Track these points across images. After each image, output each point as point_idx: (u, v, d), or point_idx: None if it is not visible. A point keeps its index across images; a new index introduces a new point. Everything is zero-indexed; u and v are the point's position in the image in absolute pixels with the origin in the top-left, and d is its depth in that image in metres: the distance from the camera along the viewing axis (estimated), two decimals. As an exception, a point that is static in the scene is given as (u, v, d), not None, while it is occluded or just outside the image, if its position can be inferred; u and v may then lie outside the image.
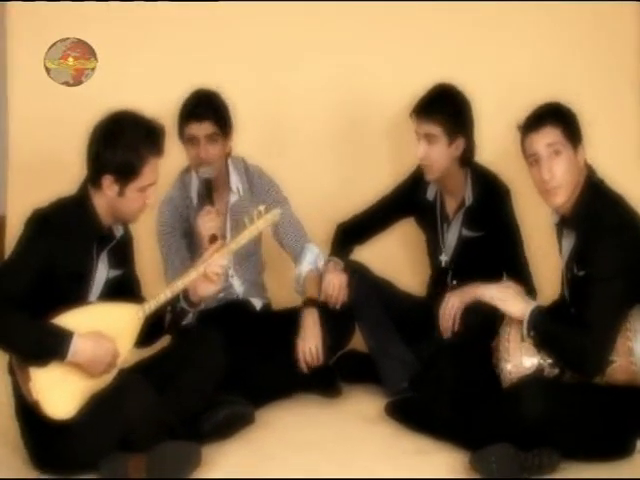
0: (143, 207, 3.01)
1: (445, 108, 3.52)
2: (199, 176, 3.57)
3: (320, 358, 3.51)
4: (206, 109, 3.54)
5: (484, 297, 3.14)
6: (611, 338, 2.90)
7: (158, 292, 3.01)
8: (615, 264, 2.88)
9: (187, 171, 3.70)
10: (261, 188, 3.71)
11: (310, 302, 3.58)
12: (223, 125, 3.57)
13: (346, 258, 3.74)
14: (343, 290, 3.61)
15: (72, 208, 2.97)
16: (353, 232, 3.83)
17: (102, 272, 3.03)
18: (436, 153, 3.53)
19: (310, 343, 3.50)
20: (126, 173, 2.92)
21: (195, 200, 3.66)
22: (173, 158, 3.69)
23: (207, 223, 3.38)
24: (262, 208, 3.20)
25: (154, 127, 2.99)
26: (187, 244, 3.66)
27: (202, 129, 3.53)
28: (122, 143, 2.91)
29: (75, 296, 2.94)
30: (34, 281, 2.85)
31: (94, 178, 2.97)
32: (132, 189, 2.95)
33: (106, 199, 2.96)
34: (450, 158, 3.55)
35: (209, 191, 3.52)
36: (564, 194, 3.00)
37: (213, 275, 3.06)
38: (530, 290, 3.50)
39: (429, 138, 3.51)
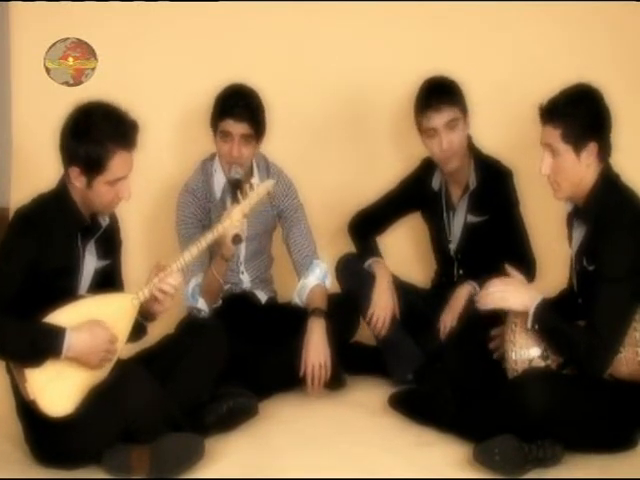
0: (116, 200, 2.96)
1: (454, 91, 3.58)
2: (230, 176, 3.52)
3: (327, 375, 3.45)
4: (245, 110, 3.48)
5: (485, 307, 3.07)
6: (619, 339, 2.88)
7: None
8: (626, 264, 2.85)
9: (210, 160, 3.65)
10: (280, 191, 3.65)
11: (317, 312, 3.51)
12: (258, 127, 3.53)
13: (379, 253, 3.74)
14: (388, 320, 3.59)
15: (52, 203, 2.95)
16: (369, 225, 3.84)
17: (90, 263, 3.01)
18: (459, 138, 3.56)
19: (318, 359, 3.44)
20: (92, 166, 2.87)
21: (218, 194, 3.62)
22: (195, 147, 3.74)
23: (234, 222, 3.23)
24: (255, 181, 3.18)
25: (124, 120, 2.92)
26: None
27: (238, 128, 3.48)
28: (89, 136, 2.86)
29: (65, 290, 2.93)
30: (21, 282, 2.84)
31: (65, 169, 2.94)
32: (100, 182, 2.90)
33: (78, 191, 2.94)
34: (466, 140, 3.60)
35: (237, 191, 3.41)
36: (562, 192, 3.00)
37: (159, 294, 2.96)
38: (530, 272, 3.50)
39: (453, 124, 3.53)
